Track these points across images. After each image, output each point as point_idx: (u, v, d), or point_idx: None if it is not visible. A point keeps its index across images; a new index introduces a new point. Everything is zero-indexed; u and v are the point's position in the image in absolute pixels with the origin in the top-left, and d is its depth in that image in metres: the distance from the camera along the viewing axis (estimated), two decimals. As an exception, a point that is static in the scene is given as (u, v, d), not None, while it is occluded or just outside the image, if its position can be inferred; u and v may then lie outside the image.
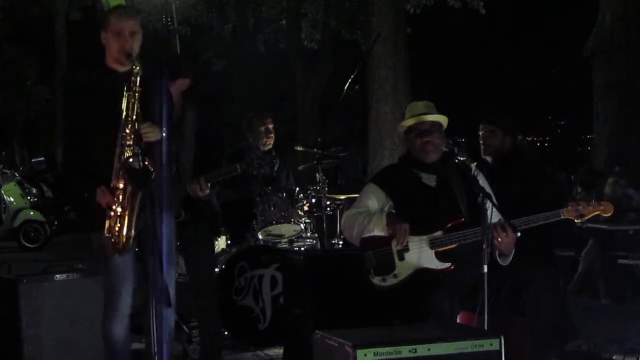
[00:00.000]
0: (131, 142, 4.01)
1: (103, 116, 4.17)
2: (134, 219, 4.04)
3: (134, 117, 4.02)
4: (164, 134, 4.09)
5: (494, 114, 6.11)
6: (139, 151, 3.96)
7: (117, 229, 4.04)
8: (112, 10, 4.48)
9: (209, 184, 5.10)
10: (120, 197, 4.04)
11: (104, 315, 4.33)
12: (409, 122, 4.87)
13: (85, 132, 4.24)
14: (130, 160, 3.98)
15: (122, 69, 4.21)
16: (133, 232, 4.05)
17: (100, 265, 4.31)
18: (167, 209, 4.24)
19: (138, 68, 4.04)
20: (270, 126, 6.96)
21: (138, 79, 4.04)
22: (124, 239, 4.04)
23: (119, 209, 4.03)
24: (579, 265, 8.80)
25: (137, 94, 4.04)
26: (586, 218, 4.60)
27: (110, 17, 4.28)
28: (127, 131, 4.03)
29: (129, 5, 16.00)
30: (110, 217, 4.05)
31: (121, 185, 4.04)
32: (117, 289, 4.26)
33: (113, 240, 4.06)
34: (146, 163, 3.93)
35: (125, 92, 4.04)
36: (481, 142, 5.93)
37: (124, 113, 4.03)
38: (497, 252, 4.52)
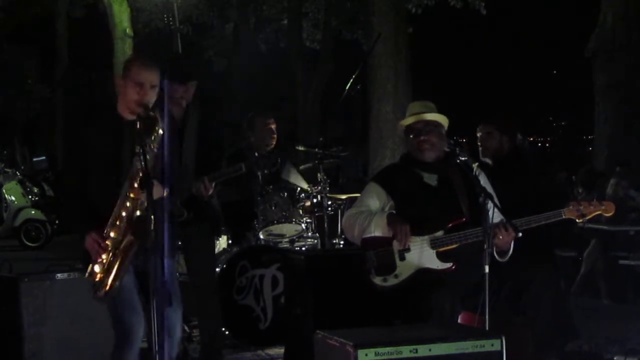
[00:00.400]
0: (138, 197, 3.91)
1: (105, 161, 4.13)
2: (122, 270, 3.97)
3: (146, 172, 3.85)
4: (165, 193, 4.04)
5: (490, 116, 6.11)
6: (148, 208, 3.80)
7: (101, 275, 3.98)
8: (134, 59, 4.40)
9: (213, 184, 5.10)
10: (113, 246, 3.97)
11: (116, 343, 4.17)
12: (407, 121, 4.88)
13: (85, 173, 4.18)
14: (137, 214, 3.91)
15: (131, 117, 4.13)
16: (118, 282, 3.97)
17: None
18: (169, 255, 4.15)
19: (160, 129, 3.94)
20: (273, 125, 6.95)
21: (158, 137, 3.96)
22: (108, 287, 3.97)
23: (110, 258, 3.96)
24: (582, 266, 8.80)
25: (154, 150, 3.95)
26: (587, 218, 4.59)
27: (132, 66, 4.18)
28: (136, 185, 3.91)
29: (133, 5, 16.06)
30: (94, 263, 4.00)
31: (114, 234, 3.97)
32: (128, 323, 4.13)
33: (95, 284, 4.00)
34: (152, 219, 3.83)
35: (140, 147, 3.90)
36: (479, 144, 5.92)
37: (137, 164, 3.91)
38: (494, 249, 4.52)
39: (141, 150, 3.87)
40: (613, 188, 9.13)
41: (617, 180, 9.18)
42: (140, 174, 3.83)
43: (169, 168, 4.02)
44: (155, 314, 3.73)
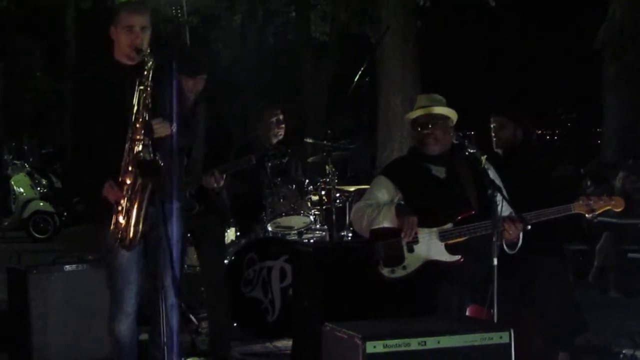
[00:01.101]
0: (141, 136, 3.97)
1: (111, 110, 4.14)
2: (142, 213, 4.01)
3: (145, 111, 3.98)
4: (173, 129, 4.07)
5: (505, 107, 6.09)
6: (149, 143, 3.94)
7: (124, 223, 4.01)
8: (122, 5, 4.43)
9: (224, 176, 5.10)
10: (129, 191, 4.01)
11: (110, 313, 4.30)
12: (413, 114, 4.86)
13: (93, 125, 4.21)
14: (141, 153, 3.96)
15: (130, 62, 4.19)
16: (141, 226, 4.02)
17: (106, 263, 4.29)
18: (177, 200, 4.23)
19: (151, 63, 4.00)
20: (281, 117, 6.94)
21: (150, 73, 4.00)
22: (132, 234, 4.01)
23: (127, 204, 4.00)
24: (595, 259, 8.77)
25: (148, 89, 4.00)
26: (597, 213, 4.58)
27: (121, 12, 4.23)
28: (138, 125, 3.99)
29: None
30: (117, 211, 4.03)
31: (129, 180, 4.01)
32: (121, 289, 4.23)
33: (120, 235, 4.03)
34: (156, 156, 3.91)
35: (137, 87, 4.01)
36: (493, 134, 5.90)
37: (135, 107, 3.99)
38: (504, 242, 4.50)
39: (150, 143, 3.89)
40: (621, 182, 9.10)
41: (626, 174, 9.14)
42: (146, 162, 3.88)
43: (178, 109, 4.06)
44: (164, 309, 3.77)
